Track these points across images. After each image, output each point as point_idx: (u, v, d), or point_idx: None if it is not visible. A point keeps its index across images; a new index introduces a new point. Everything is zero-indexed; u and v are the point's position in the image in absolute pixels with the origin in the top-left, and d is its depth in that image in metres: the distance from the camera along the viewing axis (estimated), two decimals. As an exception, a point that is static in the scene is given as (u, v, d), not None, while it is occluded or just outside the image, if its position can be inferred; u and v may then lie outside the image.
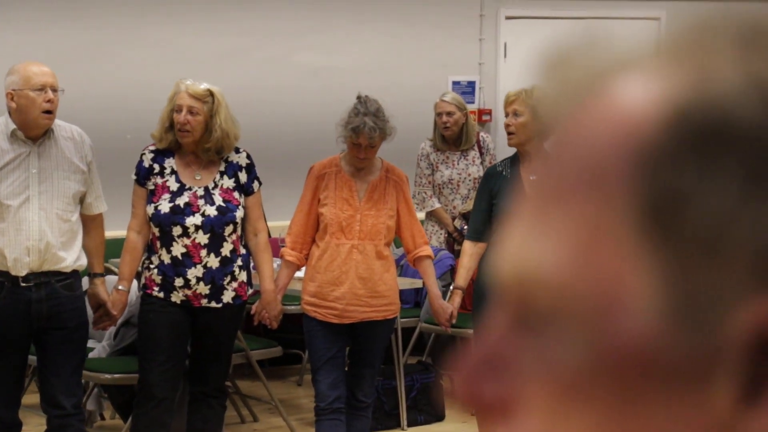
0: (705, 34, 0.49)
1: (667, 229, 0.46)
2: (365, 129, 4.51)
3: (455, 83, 7.98)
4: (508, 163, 4.63)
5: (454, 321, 4.80)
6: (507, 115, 4.59)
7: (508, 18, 8.15)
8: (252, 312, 4.75)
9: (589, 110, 0.50)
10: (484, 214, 4.57)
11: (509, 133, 4.56)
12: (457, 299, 4.74)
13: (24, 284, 4.27)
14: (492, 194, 4.56)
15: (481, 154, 6.53)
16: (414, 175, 6.30)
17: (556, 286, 0.48)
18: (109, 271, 5.14)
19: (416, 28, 7.85)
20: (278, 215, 6.35)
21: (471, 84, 8.09)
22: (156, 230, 4.53)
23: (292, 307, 5.52)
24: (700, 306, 0.46)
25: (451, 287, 4.81)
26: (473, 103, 7.91)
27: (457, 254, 5.88)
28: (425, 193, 6.49)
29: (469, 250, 4.64)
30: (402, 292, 5.42)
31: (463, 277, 4.69)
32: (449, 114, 6.44)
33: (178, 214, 4.49)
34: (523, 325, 0.50)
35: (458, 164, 6.50)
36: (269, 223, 6.19)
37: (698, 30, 0.49)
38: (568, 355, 0.48)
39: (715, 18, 0.49)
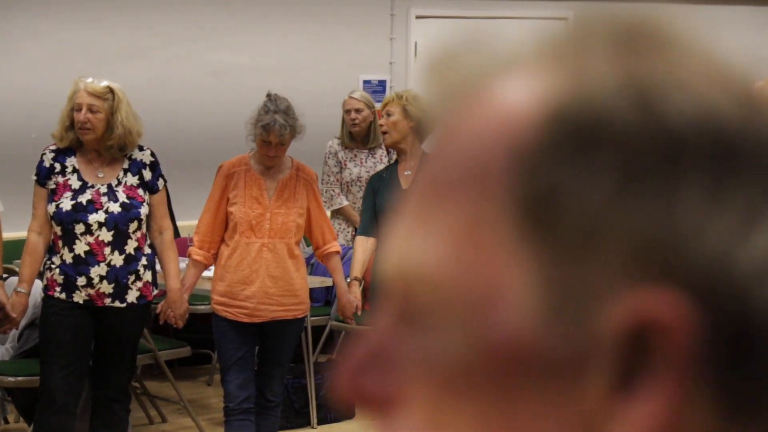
0: (584, 34, 0.50)
1: (545, 225, 0.47)
2: (275, 126, 4.51)
3: (366, 82, 8.00)
4: (390, 166, 5.03)
5: (359, 313, 4.90)
6: (381, 116, 4.99)
7: (418, 17, 8.19)
8: (157, 311, 4.72)
9: (471, 109, 0.50)
10: (371, 212, 4.89)
11: (383, 133, 4.97)
12: (356, 289, 4.90)
13: None
14: (375, 192, 4.88)
15: (388, 152, 6.56)
16: (321, 173, 6.30)
17: (436, 281, 0.49)
18: (14, 273, 5.05)
19: (327, 27, 7.85)
20: (187, 214, 6.29)
21: (382, 83, 8.11)
22: (58, 229, 4.46)
23: (202, 306, 5.48)
24: (576, 300, 0.46)
25: (348, 279, 4.90)
26: (384, 101, 7.93)
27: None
28: (333, 191, 6.50)
29: (362, 244, 4.91)
30: (312, 291, 5.43)
31: (358, 269, 4.90)
32: (358, 111, 6.46)
33: (81, 211, 4.44)
34: (407, 320, 0.50)
35: (366, 162, 6.52)
36: (178, 223, 6.15)
37: (578, 30, 0.50)
38: (449, 351, 0.48)
39: (595, 19, 0.50)
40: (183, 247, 5.18)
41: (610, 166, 0.46)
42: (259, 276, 4.62)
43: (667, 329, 0.45)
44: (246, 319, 4.64)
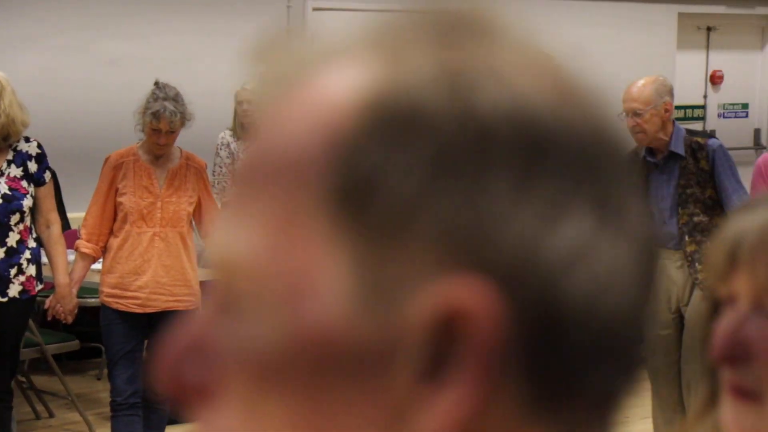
0: (406, 25, 0.50)
1: (357, 214, 0.47)
2: (165, 113, 4.48)
3: (262, 73, 7.96)
4: None
5: None
6: None
7: (315, 9, 8.17)
8: (46, 306, 4.64)
9: (290, 98, 0.50)
10: None
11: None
12: None
13: None
14: None
15: (283, 143, 6.56)
16: (213, 165, 6.25)
17: (251, 271, 0.48)
18: None
19: (222, 17, 7.77)
20: (78, 206, 6.18)
21: (278, 74, 8.08)
22: (-63, 222, 4.35)
23: (92, 300, 5.40)
24: (386, 289, 0.46)
25: None
26: (280, 93, 7.90)
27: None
28: (225, 182, 6.46)
29: None
30: (206, 283, 5.38)
31: None
32: (249, 102, 6.42)
33: (-40, 203, 4.34)
34: (226, 310, 0.50)
35: (259, 154, 6.50)
36: (69, 215, 6.03)
37: (400, 21, 0.50)
38: (261, 342, 0.48)
39: (418, 10, 0.50)
40: (73, 239, 5.10)
41: (422, 155, 0.47)
42: (152, 266, 4.58)
43: (473, 317, 0.45)
44: (138, 310, 4.59)
